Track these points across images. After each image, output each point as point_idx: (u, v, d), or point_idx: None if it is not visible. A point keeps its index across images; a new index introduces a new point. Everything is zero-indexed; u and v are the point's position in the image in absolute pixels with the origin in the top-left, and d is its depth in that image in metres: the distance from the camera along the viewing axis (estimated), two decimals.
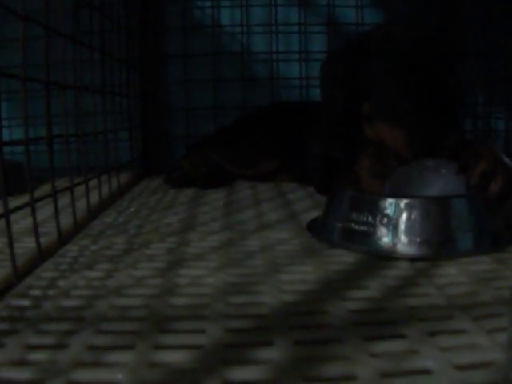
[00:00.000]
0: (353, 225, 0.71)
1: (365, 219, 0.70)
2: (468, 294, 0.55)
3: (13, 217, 0.61)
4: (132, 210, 1.04)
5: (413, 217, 0.67)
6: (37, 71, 0.70)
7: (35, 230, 0.67)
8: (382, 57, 0.86)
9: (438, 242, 0.67)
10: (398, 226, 0.68)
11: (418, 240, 0.67)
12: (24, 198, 0.67)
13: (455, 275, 0.61)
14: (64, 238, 0.77)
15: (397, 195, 0.70)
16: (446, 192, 0.72)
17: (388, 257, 0.67)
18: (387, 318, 0.50)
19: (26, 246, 0.74)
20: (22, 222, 0.89)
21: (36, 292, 0.58)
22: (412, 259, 0.66)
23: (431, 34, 0.87)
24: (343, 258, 0.68)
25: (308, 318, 0.50)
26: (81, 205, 0.88)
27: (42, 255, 0.69)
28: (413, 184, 0.76)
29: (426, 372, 0.40)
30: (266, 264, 0.66)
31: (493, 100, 1.55)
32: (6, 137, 0.60)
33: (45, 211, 0.92)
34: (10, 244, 0.59)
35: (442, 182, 0.74)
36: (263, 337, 0.46)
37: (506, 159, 0.74)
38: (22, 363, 0.43)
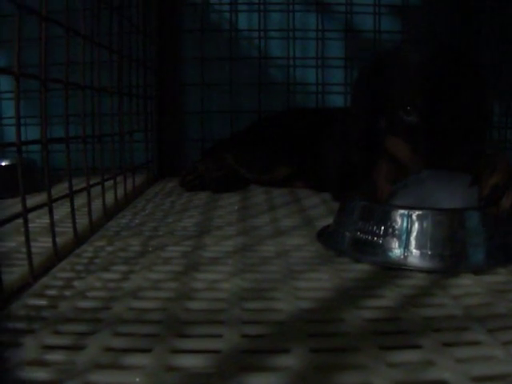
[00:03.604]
0: (363, 235, 0.71)
1: (376, 230, 0.69)
2: (483, 306, 0.55)
3: (28, 216, 0.61)
4: (147, 211, 1.04)
5: (424, 229, 0.67)
6: (53, 71, 0.70)
7: (52, 230, 0.68)
8: (395, 76, 0.88)
9: (450, 255, 0.66)
10: (409, 238, 0.67)
11: (430, 253, 0.66)
12: (38, 197, 0.67)
13: (470, 286, 0.61)
14: (80, 239, 0.78)
15: (409, 207, 0.69)
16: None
17: (398, 268, 0.66)
18: (403, 327, 0.50)
19: (41, 245, 0.75)
20: (37, 221, 0.89)
21: (52, 292, 0.59)
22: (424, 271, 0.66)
23: (449, 52, 0.87)
24: (358, 266, 0.68)
25: (324, 325, 0.50)
26: (96, 205, 0.88)
27: (58, 255, 0.69)
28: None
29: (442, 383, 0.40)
30: (282, 270, 0.66)
31: (508, 111, 1.54)
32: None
33: (59, 211, 0.92)
34: (27, 243, 0.60)
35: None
36: (280, 343, 0.46)
37: None
38: (39, 363, 0.43)
